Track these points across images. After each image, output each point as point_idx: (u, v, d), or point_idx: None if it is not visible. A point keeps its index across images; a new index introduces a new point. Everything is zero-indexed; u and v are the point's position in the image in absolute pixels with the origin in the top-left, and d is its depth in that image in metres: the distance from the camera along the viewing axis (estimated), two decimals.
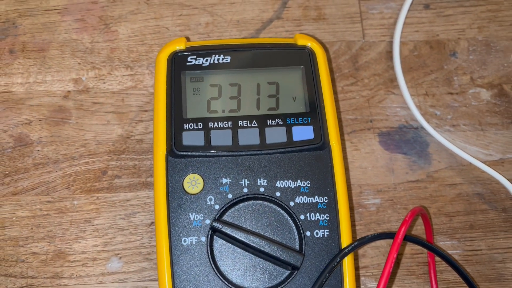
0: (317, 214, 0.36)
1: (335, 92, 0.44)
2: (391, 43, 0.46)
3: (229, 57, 0.39)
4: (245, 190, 0.36)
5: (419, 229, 0.42)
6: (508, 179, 0.41)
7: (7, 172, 0.41)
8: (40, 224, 0.40)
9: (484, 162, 0.42)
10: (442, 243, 0.41)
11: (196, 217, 0.36)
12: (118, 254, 0.40)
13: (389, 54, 0.46)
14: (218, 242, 0.36)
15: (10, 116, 0.42)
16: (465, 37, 0.47)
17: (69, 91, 0.43)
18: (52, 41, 0.44)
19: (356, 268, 0.40)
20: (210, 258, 0.35)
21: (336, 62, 0.45)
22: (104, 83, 0.44)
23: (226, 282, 0.35)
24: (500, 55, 0.46)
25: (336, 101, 0.44)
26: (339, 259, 0.35)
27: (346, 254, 0.35)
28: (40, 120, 0.42)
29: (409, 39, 0.46)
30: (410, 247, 0.41)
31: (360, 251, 0.41)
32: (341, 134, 0.43)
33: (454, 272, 0.39)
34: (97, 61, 0.44)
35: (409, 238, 0.37)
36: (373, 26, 0.47)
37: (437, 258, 0.40)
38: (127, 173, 0.41)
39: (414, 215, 0.36)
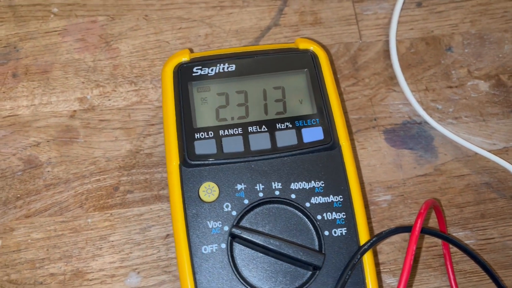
0: (334, 213, 0.37)
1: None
2: (387, 42, 0.47)
3: (234, 65, 0.40)
4: (261, 194, 0.37)
5: (431, 222, 0.42)
6: None
7: (18, 195, 0.41)
8: (56, 245, 0.40)
9: (489, 152, 0.43)
10: (455, 234, 0.42)
11: (215, 225, 0.36)
12: (136, 269, 0.39)
13: (387, 53, 0.46)
14: (238, 248, 0.36)
15: (18, 139, 0.42)
16: (458, 31, 0.48)
17: (75, 111, 0.43)
18: (54, 62, 0.44)
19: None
20: (231, 264, 0.35)
21: (336, 64, 0.46)
22: (109, 100, 0.44)
23: None
24: (494, 46, 0.47)
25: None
26: (359, 255, 0.35)
27: (366, 250, 0.35)
28: (48, 141, 0.42)
29: (405, 37, 0.47)
30: (424, 241, 0.41)
31: (376, 248, 0.41)
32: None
33: (470, 262, 0.39)
34: (100, 79, 0.44)
35: (426, 230, 0.37)
36: (369, 27, 0.47)
37: (452, 250, 0.40)
38: (139, 187, 0.41)
39: (428, 207, 0.37)
